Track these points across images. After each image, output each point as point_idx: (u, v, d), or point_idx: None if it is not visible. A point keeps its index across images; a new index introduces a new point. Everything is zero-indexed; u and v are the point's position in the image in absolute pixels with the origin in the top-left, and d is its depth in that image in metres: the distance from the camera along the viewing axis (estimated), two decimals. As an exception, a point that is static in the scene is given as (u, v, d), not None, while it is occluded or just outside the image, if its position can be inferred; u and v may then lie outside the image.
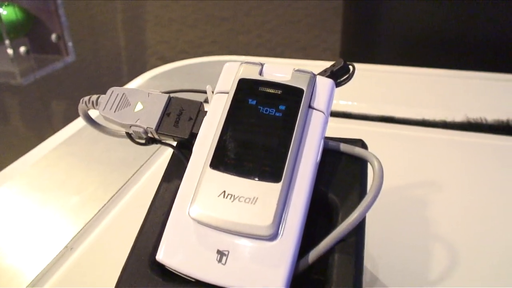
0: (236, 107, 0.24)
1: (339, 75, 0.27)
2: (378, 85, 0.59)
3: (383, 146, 0.42)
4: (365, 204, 0.21)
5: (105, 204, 0.39)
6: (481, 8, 0.70)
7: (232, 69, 0.25)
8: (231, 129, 0.23)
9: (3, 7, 1.20)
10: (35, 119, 1.41)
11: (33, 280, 0.33)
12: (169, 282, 0.21)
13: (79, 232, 0.36)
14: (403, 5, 0.75)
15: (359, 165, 0.24)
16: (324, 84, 0.24)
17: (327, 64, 0.28)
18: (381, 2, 0.77)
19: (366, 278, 0.31)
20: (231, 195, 0.21)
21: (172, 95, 0.27)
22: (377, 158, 0.23)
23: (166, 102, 0.26)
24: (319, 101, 0.24)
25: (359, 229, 0.22)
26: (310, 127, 0.23)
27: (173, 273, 0.21)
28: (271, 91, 0.24)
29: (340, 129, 0.48)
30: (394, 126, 0.50)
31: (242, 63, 0.25)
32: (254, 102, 0.24)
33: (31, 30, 1.27)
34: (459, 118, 0.49)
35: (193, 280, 0.21)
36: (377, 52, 0.81)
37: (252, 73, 0.25)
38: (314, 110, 0.24)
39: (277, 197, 0.21)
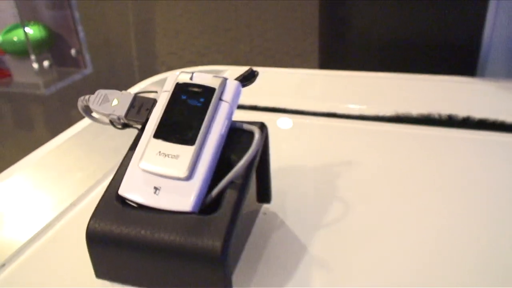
0: (173, 100, 0.38)
1: (248, 79, 0.40)
2: (333, 87, 0.73)
3: (320, 136, 0.56)
4: (245, 159, 0.35)
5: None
6: (432, 15, 0.83)
7: (174, 77, 0.39)
8: (168, 113, 0.37)
9: (30, 26, 1.37)
10: (57, 125, 1.58)
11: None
12: (124, 206, 0.35)
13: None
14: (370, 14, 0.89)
15: (252, 137, 0.37)
16: (232, 84, 0.38)
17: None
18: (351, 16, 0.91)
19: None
20: (164, 153, 0.35)
21: (145, 94, 0.41)
22: (258, 130, 0.36)
23: (132, 99, 0.41)
24: (227, 96, 0.38)
25: (244, 176, 0.35)
26: (219, 112, 0.37)
27: (128, 202, 0.36)
28: (196, 89, 0.38)
29: (308, 125, 0.62)
30: (337, 120, 0.63)
31: (180, 72, 0.39)
32: (184, 97, 0.38)
33: (53, 45, 1.44)
34: (389, 112, 0.62)
35: (138, 205, 0.35)
36: (350, 58, 0.95)
37: (185, 79, 0.39)
38: (222, 102, 0.37)
39: (191, 154, 0.35)
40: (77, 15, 1.52)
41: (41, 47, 1.40)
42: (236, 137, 0.37)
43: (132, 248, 0.33)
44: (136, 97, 0.40)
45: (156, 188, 0.34)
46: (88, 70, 1.53)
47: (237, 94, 0.38)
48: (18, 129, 1.85)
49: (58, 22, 1.45)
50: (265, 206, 0.44)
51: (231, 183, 0.34)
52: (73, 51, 1.46)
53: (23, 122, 1.81)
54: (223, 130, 0.36)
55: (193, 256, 0.32)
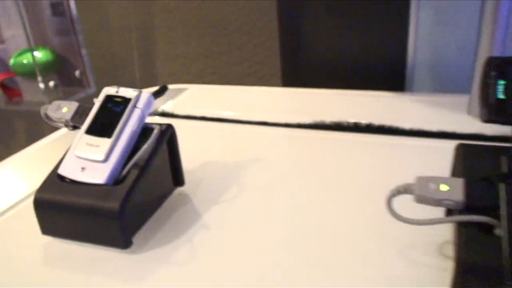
0: (101, 107, 0.53)
1: (159, 92, 0.55)
2: (273, 101, 0.87)
3: (247, 140, 0.71)
4: (144, 148, 0.49)
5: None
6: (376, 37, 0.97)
7: (105, 91, 0.54)
8: (96, 116, 0.52)
9: (39, 50, 1.55)
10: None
11: None
12: (62, 181, 0.50)
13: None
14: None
15: (159, 133, 0.51)
16: (145, 96, 0.53)
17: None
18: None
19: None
20: (90, 144, 0.50)
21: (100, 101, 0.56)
22: (158, 128, 0.51)
23: (77, 107, 0.56)
24: (140, 104, 0.52)
25: (146, 160, 0.50)
26: (132, 115, 0.52)
27: (65, 179, 0.50)
28: (118, 99, 0.53)
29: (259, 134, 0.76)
30: (267, 127, 0.77)
31: (111, 87, 0.54)
32: (110, 105, 0.53)
33: (60, 67, 1.62)
34: (308, 120, 0.76)
35: (70, 180, 0.50)
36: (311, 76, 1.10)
37: (112, 92, 0.54)
38: (136, 108, 0.52)
39: (108, 144, 0.50)
40: (81, 39, 1.70)
41: (48, 69, 1.58)
42: (149, 133, 0.52)
43: (65, 210, 0.48)
44: (80, 106, 0.55)
45: (83, 168, 0.49)
46: (92, 90, 1.70)
47: (148, 103, 0.52)
48: (28, 142, 2.02)
49: (64, 46, 1.64)
50: (181, 188, 0.58)
51: (135, 164, 0.49)
52: (77, 72, 1.63)
53: (32, 135, 1.99)
54: (135, 128, 0.50)
55: (101, 214, 0.46)
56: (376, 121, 0.72)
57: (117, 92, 0.52)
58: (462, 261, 0.35)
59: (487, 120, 0.40)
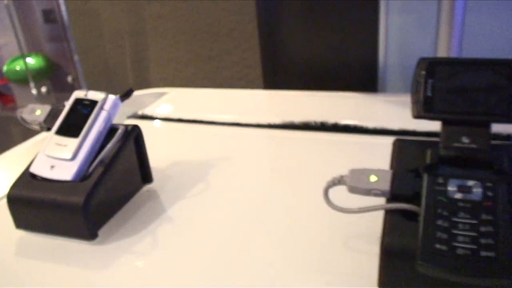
0: (71, 109, 0.57)
1: (126, 95, 0.59)
2: (248, 103, 0.91)
3: (219, 140, 0.74)
4: (108, 147, 0.53)
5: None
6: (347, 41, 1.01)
7: (76, 94, 0.58)
8: (66, 118, 0.56)
9: (32, 57, 1.59)
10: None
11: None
12: (33, 179, 0.54)
13: None
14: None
15: (123, 132, 0.55)
16: (112, 99, 0.57)
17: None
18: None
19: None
20: (59, 144, 0.54)
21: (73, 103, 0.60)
22: (122, 128, 0.55)
23: (50, 110, 0.60)
24: (107, 106, 0.56)
25: (111, 158, 0.53)
26: (99, 117, 0.56)
27: (36, 177, 0.54)
28: (87, 102, 0.57)
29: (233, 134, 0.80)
30: (240, 128, 0.80)
31: (80, 91, 0.58)
32: (79, 107, 0.57)
33: (53, 73, 1.67)
34: (278, 121, 0.79)
35: (41, 178, 0.53)
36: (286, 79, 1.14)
37: (81, 95, 0.57)
38: (103, 110, 0.56)
39: (75, 144, 0.54)
40: (73, 46, 1.75)
41: (41, 75, 1.63)
42: (113, 132, 0.55)
43: (35, 205, 0.52)
44: (52, 108, 0.59)
45: (52, 166, 0.53)
46: (84, 95, 1.74)
47: (114, 105, 0.56)
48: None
49: (57, 53, 1.68)
50: (150, 185, 0.62)
51: (101, 162, 0.53)
52: (69, 78, 1.68)
53: (26, 139, 2.03)
54: (101, 128, 0.54)
55: (67, 208, 0.50)
56: (343, 120, 0.75)
57: (85, 95, 0.56)
58: (385, 245, 0.38)
59: (417, 116, 0.44)
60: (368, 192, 0.40)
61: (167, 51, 2.04)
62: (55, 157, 0.52)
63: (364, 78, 1.00)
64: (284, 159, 0.66)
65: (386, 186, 0.40)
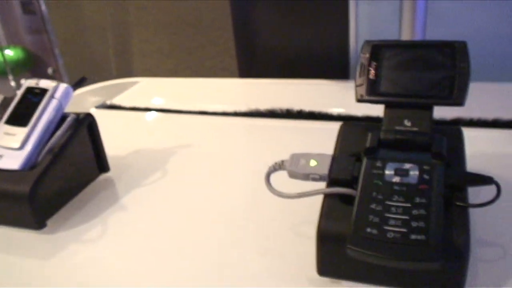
0: (22, 98, 0.56)
1: (78, 83, 0.58)
2: (217, 92, 0.90)
3: (181, 129, 0.74)
4: (58, 134, 0.53)
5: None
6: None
7: (27, 82, 0.57)
8: (16, 107, 0.55)
9: (11, 49, 1.58)
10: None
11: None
12: None
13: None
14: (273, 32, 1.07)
15: (72, 121, 0.55)
16: (63, 87, 0.56)
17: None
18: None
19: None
20: (8, 133, 0.53)
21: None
22: (72, 116, 0.54)
23: (2, 100, 0.59)
24: (57, 95, 0.55)
25: (60, 146, 0.53)
26: (49, 105, 0.55)
27: None
28: (37, 91, 0.56)
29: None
30: (207, 117, 0.80)
31: (32, 80, 0.57)
32: (30, 96, 0.56)
33: (33, 65, 1.65)
34: (244, 109, 0.79)
35: None
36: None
37: (32, 84, 0.57)
38: (53, 99, 0.55)
39: (24, 133, 0.53)
40: (54, 37, 1.73)
41: (20, 67, 1.61)
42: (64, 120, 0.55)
43: None
44: (5, 98, 0.58)
45: (0, 156, 0.52)
46: (66, 86, 1.73)
47: (65, 94, 0.55)
48: None
49: (37, 45, 1.67)
50: (107, 174, 0.61)
51: (50, 151, 0.52)
52: (50, 70, 1.66)
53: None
54: (51, 117, 0.53)
55: (14, 198, 0.49)
56: (309, 107, 0.75)
57: (37, 84, 0.55)
58: (320, 231, 0.38)
59: (360, 100, 0.43)
60: (306, 176, 0.40)
61: (150, 43, 2.02)
62: (4, 146, 0.51)
63: (336, 66, 0.99)
64: (245, 146, 0.66)
65: (324, 170, 0.40)
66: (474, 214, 0.45)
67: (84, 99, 0.92)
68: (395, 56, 0.43)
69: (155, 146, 0.68)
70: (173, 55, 1.99)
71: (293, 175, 0.41)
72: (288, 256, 0.43)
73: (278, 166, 0.41)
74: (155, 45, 2.01)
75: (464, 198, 0.37)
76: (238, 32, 1.19)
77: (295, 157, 0.41)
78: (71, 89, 0.55)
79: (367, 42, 0.44)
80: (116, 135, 0.74)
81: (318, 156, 0.41)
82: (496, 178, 0.37)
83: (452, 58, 0.41)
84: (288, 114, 0.74)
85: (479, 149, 0.57)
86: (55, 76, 1.73)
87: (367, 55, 0.43)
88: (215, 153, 0.65)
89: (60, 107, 0.54)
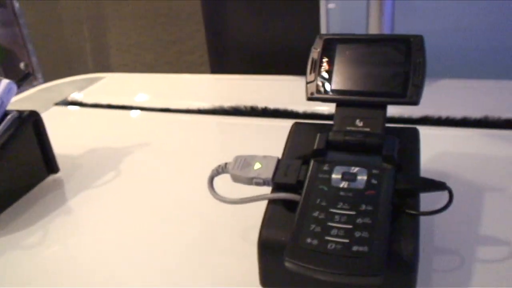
0: None
1: (23, 79, 0.55)
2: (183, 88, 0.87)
3: (138, 127, 0.70)
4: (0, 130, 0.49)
5: None
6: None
7: None
8: None
9: (-18, 43, 1.53)
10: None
11: None
12: None
13: None
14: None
15: (12, 119, 0.51)
16: (5, 82, 0.53)
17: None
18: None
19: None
20: None
21: None
22: (14, 113, 0.51)
23: None
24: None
25: (4, 142, 0.49)
26: None
27: None
28: None
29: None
30: (169, 114, 0.77)
31: None
32: None
33: (4, 60, 1.61)
34: (207, 106, 0.76)
35: None
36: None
37: None
38: None
39: None
40: (26, 31, 1.68)
41: (-9, 62, 1.57)
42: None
43: None
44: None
45: None
46: (39, 82, 1.69)
47: (8, 90, 0.52)
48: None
49: (8, 39, 1.62)
50: (57, 175, 0.58)
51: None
52: (22, 65, 1.61)
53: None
54: (-6, 110, 0.50)
55: None
56: (274, 105, 0.72)
57: (-16, 80, 0.51)
58: (261, 240, 0.35)
59: (310, 98, 0.40)
60: (250, 180, 0.37)
61: (127, 36, 1.98)
62: None
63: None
64: (204, 146, 0.63)
65: (268, 174, 0.37)
66: (432, 221, 0.42)
67: (46, 95, 0.89)
68: (348, 51, 0.40)
69: (111, 145, 0.65)
70: (152, 50, 1.95)
71: (236, 178, 0.38)
72: (232, 265, 0.40)
73: (221, 169, 0.38)
74: (132, 39, 1.96)
75: (415, 205, 0.34)
76: (209, 26, 1.15)
77: (239, 160, 0.38)
78: (14, 85, 0.52)
79: (320, 35, 0.41)
80: (72, 133, 0.70)
81: (263, 159, 0.38)
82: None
83: (407, 54, 0.38)
84: (253, 112, 0.71)
85: (446, 149, 0.55)
86: (28, 71, 1.68)
87: (319, 50, 0.40)
88: (172, 152, 0.62)
89: (1, 104, 0.50)
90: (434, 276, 0.37)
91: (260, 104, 0.72)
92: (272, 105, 0.71)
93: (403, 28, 0.76)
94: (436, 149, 0.55)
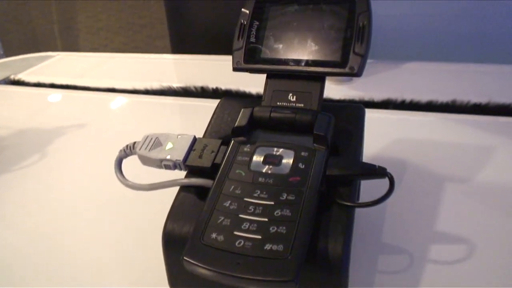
0: None
1: None
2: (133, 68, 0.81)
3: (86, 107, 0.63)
4: None
5: None
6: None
7: None
8: None
9: None
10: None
11: None
12: None
13: None
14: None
15: None
16: None
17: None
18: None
19: None
20: None
21: None
22: None
23: None
24: None
25: None
26: None
27: None
28: None
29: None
30: (115, 94, 0.70)
31: None
32: None
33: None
34: (155, 86, 0.69)
35: None
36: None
37: None
38: None
39: None
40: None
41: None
42: None
43: None
44: None
45: None
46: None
47: None
48: None
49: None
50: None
51: None
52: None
53: None
54: None
55: None
56: (226, 85, 0.65)
57: None
58: (165, 232, 0.29)
59: (237, 68, 0.34)
60: (159, 163, 0.31)
61: (96, 19, 1.90)
62: None
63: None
64: (146, 128, 0.56)
65: (180, 155, 0.30)
66: (382, 215, 0.36)
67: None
68: (282, 14, 0.33)
69: (45, 126, 0.59)
70: (121, 33, 1.87)
71: (144, 160, 0.31)
72: (143, 261, 0.35)
73: (129, 150, 0.32)
74: (101, 22, 1.88)
75: (349, 195, 0.28)
76: (169, 8, 1.08)
77: (150, 138, 0.32)
78: None
79: (251, -4, 0.35)
80: (7, 113, 0.64)
81: (177, 138, 0.31)
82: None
83: (350, 17, 0.32)
84: (203, 93, 0.65)
85: (407, 136, 0.49)
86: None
87: (249, 12, 0.34)
88: (107, 134, 0.56)
89: None
90: (379, 278, 0.31)
91: (211, 85, 0.65)
92: (224, 86, 0.65)
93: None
94: (396, 135, 0.49)
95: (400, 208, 0.37)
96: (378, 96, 0.58)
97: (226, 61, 0.80)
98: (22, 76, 0.78)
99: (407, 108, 0.57)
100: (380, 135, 0.48)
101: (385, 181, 0.28)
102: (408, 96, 0.58)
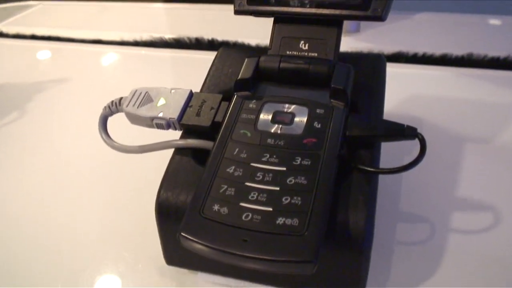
0: None
1: None
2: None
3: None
4: None
5: None
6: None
7: None
8: None
9: None
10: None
11: None
12: None
13: None
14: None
15: None
16: None
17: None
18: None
19: None
20: None
21: None
22: None
23: None
24: None
25: None
26: None
27: None
28: None
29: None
30: (101, 46, 0.65)
31: None
32: None
33: None
34: (145, 37, 0.64)
35: None
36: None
37: None
38: None
39: None
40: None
41: None
42: None
43: None
44: None
45: None
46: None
47: None
48: None
49: None
50: None
51: None
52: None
53: None
54: None
55: None
56: (223, 37, 0.60)
57: None
58: (159, 202, 0.25)
59: (239, 11, 0.29)
60: (149, 122, 0.26)
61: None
62: None
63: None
64: (131, 83, 0.51)
65: (174, 113, 0.26)
66: (399, 181, 0.32)
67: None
68: None
69: (25, 80, 0.54)
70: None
71: (132, 119, 0.27)
72: (135, 237, 0.31)
73: (114, 106, 0.27)
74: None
75: (372, 160, 0.24)
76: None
77: (138, 93, 0.27)
78: None
79: None
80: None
81: (171, 93, 0.27)
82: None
83: None
84: (198, 44, 0.59)
85: (420, 91, 0.45)
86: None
87: None
88: (93, 90, 0.52)
89: None
90: (397, 250, 0.27)
91: (207, 36, 0.60)
92: (220, 37, 0.59)
93: None
94: (409, 91, 0.45)
95: (418, 173, 0.33)
96: (388, 49, 0.53)
97: (223, 10, 0.75)
98: (0, 27, 0.72)
99: (420, 61, 0.52)
100: (391, 91, 0.44)
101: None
102: (421, 49, 0.53)
